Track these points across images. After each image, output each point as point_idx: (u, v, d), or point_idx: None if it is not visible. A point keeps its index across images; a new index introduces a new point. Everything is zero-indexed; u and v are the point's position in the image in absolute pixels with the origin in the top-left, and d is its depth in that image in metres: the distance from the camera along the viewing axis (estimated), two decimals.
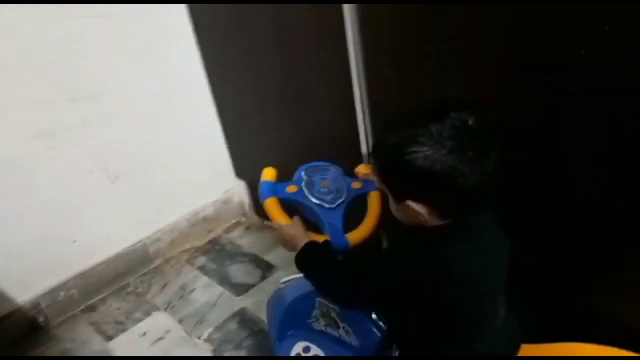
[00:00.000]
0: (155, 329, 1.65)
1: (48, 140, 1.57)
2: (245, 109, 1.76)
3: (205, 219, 2.04)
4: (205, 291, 1.77)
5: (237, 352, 1.50)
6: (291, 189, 1.08)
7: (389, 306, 0.93)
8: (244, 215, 2.12)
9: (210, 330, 1.59)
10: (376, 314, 1.07)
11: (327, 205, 1.05)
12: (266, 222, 1.09)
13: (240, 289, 1.74)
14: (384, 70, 1.18)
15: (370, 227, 1.05)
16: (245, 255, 1.91)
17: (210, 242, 2.02)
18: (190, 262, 1.93)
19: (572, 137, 0.93)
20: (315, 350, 1.21)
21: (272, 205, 1.05)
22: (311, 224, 1.09)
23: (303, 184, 1.08)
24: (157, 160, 1.84)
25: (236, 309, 1.66)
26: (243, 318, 1.62)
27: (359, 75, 1.22)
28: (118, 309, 1.76)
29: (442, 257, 0.78)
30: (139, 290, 1.83)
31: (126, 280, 1.87)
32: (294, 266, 1.73)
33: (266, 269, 1.81)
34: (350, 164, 1.38)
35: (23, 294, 1.66)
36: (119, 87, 1.68)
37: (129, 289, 1.84)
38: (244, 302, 1.68)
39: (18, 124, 1.51)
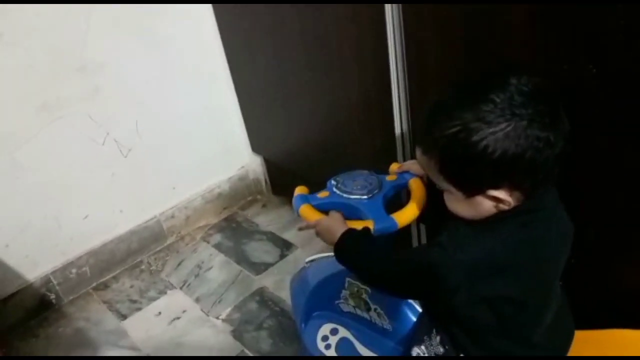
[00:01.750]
0: (171, 308, 1.59)
1: (55, 112, 1.50)
2: (263, 80, 1.67)
3: (220, 196, 1.98)
4: (222, 269, 1.71)
5: (258, 333, 1.44)
6: (323, 194, 1.02)
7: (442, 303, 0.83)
8: (260, 192, 2.06)
9: (228, 309, 1.54)
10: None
11: (365, 197, 0.97)
12: (299, 225, 1.01)
13: (259, 268, 1.68)
14: (424, 38, 1.08)
15: (417, 206, 0.95)
16: (263, 233, 1.85)
17: (225, 219, 1.96)
18: (205, 239, 1.87)
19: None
20: (343, 332, 1.16)
21: (305, 209, 0.98)
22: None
23: (334, 189, 1.02)
24: (171, 134, 1.77)
25: (255, 288, 1.60)
26: (263, 297, 1.56)
27: (395, 45, 1.12)
28: (132, 286, 1.71)
29: (513, 249, 0.70)
30: (153, 267, 1.78)
31: (139, 257, 1.82)
32: (313, 244, 1.72)
33: (284, 247, 1.75)
34: (381, 144, 1.32)
35: (33, 271, 1.61)
36: (129, 58, 1.60)
37: (143, 267, 1.79)
38: (262, 281, 1.63)
39: (21, 95, 1.43)
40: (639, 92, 0.79)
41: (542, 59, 0.89)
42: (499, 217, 0.71)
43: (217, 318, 1.52)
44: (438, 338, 0.90)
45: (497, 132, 0.62)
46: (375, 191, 0.99)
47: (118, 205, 1.73)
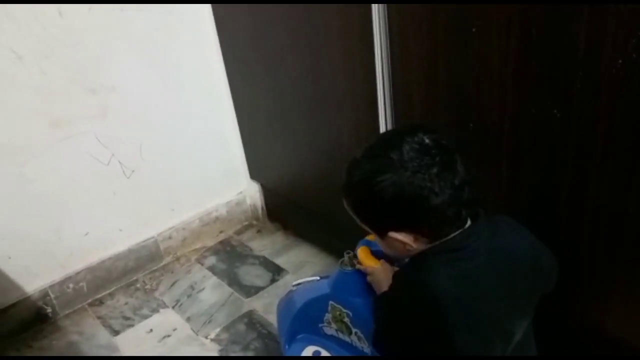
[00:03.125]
0: (162, 326, 1.63)
1: (64, 131, 1.58)
2: (264, 110, 1.76)
3: (217, 219, 2.03)
4: (214, 291, 1.75)
5: (244, 353, 1.48)
6: None
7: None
8: (256, 218, 2.11)
9: (217, 330, 1.58)
10: None
11: None
12: (358, 266, 1.10)
13: (249, 291, 1.73)
14: (410, 78, 1.17)
15: None
16: (256, 257, 1.90)
17: (220, 242, 2.01)
18: (200, 261, 1.92)
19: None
20: (325, 355, 1.20)
21: (361, 251, 1.09)
22: None
23: None
24: (173, 158, 1.84)
25: (244, 310, 1.64)
26: (251, 320, 1.60)
27: (384, 84, 1.21)
28: (126, 304, 1.75)
29: (434, 284, 0.76)
30: (148, 286, 1.82)
31: (135, 275, 1.86)
32: (304, 270, 1.77)
33: (276, 272, 1.80)
34: None
35: (32, 283, 1.66)
36: (138, 82, 1.68)
37: (138, 285, 1.83)
38: (252, 304, 1.67)
39: (34, 112, 1.51)
40: (595, 134, 0.86)
41: (517, 102, 0.97)
42: (423, 258, 0.80)
43: (206, 337, 1.56)
44: None
45: (386, 180, 0.74)
46: None
47: (118, 223, 1.79)
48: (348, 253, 1.11)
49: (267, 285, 1.74)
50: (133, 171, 1.76)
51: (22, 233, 1.59)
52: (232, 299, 1.70)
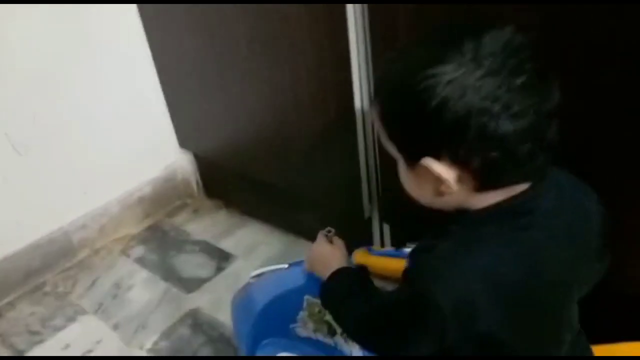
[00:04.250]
0: (82, 338, 1.35)
1: None
2: (191, 59, 1.46)
3: (142, 201, 1.74)
4: (146, 288, 1.48)
5: None
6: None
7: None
8: (190, 195, 1.84)
9: (154, 337, 1.31)
10: None
11: None
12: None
13: (191, 285, 1.47)
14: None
15: None
16: (195, 243, 1.63)
17: (148, 228, 1.73)
18: (125, 252, 1.63)
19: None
20: None
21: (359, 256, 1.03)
22: None
23: None
24: (78, 128, 1.53)
25: (187, 309, 1.39)
26: (196, 320, 1.35)
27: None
28: (32, 314, 1.44)
29: (491, 272, 0.52)
30: (60, 289, 1.52)
31: (42, 277, 1.55)
32: (256, 254, 1.49)
33: (222, 258, 1.55)
34: (336, 116, 1.14)
35: None
36: (23, 35, 1.34)
37: (47, 289, 1.53)
38: (196, 300, 1.42)
39: None
40: None
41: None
42: (461, 220, 0.56)
43: (141, 349, 1.30)
44: None
45: (441, 75, 0.49)
46: None
47: (12, 215, 1.46)
48: (329, 231, 0.90)
49: (213, 276, 1.49)
50: (27, 147, 1.43)
51: None
52: (170, 296, 1.45)
